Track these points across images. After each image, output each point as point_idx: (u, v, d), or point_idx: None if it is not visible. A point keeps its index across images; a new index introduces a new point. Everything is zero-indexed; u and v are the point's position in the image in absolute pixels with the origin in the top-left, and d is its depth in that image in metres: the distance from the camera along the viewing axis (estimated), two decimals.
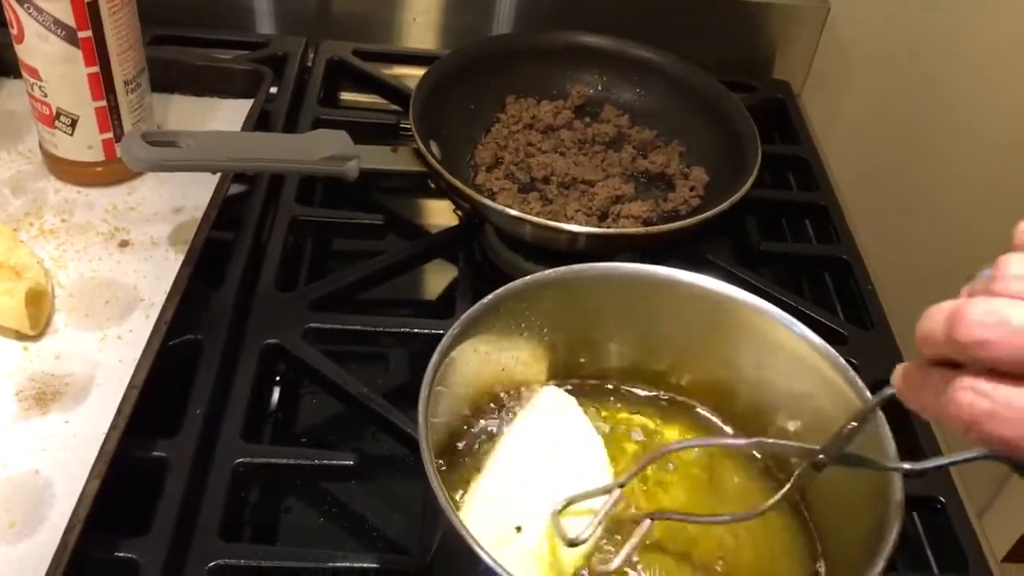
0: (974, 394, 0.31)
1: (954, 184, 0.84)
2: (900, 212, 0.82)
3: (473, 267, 0.74)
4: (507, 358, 0.54)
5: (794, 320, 0.51)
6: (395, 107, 0.87)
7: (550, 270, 0.52)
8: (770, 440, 0.50)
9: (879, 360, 0.67)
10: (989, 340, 0.30)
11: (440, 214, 0.84)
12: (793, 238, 0.83)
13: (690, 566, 0.48)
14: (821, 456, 0.44)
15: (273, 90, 0.82)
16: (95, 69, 0.65)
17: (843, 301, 0.74)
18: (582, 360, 0.56)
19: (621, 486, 0.47)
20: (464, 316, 0.49)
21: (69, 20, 0.63)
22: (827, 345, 0.50)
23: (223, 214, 0.68)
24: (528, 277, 0.52)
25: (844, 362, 0.49)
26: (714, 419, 0.56)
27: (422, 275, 0.77)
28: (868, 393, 0.47)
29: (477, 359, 0.52)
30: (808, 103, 0.96)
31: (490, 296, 0.51)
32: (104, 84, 0.66)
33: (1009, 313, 0.30)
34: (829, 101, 0.95)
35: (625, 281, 0.54)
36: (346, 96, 0.92)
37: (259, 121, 0.78)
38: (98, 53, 0.65)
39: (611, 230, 0.70)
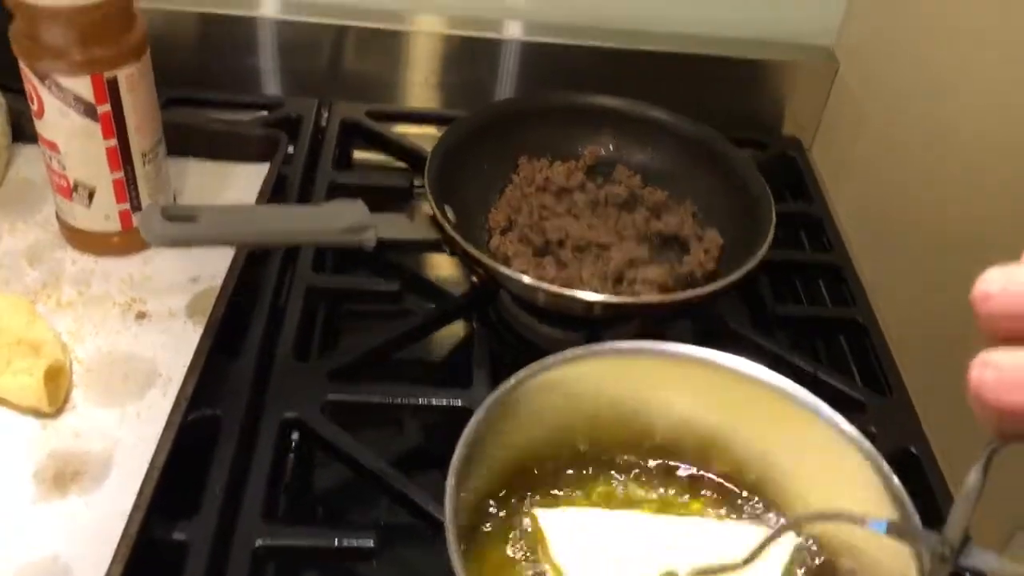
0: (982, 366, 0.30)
1: (971, 237, 0.84)
2: (913, 267, 0.81)
3: (489, 328, 0.75)
4: (525, 440, 0.53)
5: (838, 418, 0.50)
6: (408, 164, 0.88)
7: (571, 351, 0.52)
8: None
9: (898, 428, 0.66)
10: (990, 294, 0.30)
11: (456, 271, 0.84)
12: (807, 298, 0.83)
13: None
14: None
15: (289, 148, 0.83)
16: (113, 142, 0.66)
17: (860, 364, 0.74)
18: (606, 439, 0.56)
19: (746, 561, 0.47)
20: (485, 406, 0.49)
21: (89, 96, 0.63)
22: (873, 449, 0.49)
23: (240, 284, 0.68)
24: (549, 359, 0.52)
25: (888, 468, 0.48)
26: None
27: (437, 339, 0.77)
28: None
29: (498, 443, 0.51)
30: (818, 156, 0.96)
31: (511, 382, 0.50)
32: (122, 156, 0.67)
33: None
34: (840, 153, 0.95)
35: (653, 361, 0.53)
36: (359, 155, 0.92)
37: (275, 185, 0.78)
38: (116, 127, 0.65)
39: (627, 299, 0.70)
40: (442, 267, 0.85)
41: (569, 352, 0.52)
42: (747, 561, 0.47)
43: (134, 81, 0.65)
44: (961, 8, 0.77)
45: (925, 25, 0.83)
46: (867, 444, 0.49)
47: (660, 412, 0.55)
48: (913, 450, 0.65)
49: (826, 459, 0.51)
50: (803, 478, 0.53)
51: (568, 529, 0.51)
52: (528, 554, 0.51)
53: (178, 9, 0.89)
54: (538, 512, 0.52)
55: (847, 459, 0.50)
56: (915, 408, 0.69)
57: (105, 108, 0.64)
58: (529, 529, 0.52)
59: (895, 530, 0.43)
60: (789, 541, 0.51)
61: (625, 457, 0.56)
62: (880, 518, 0.44)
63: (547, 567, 0.50)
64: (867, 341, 0.74)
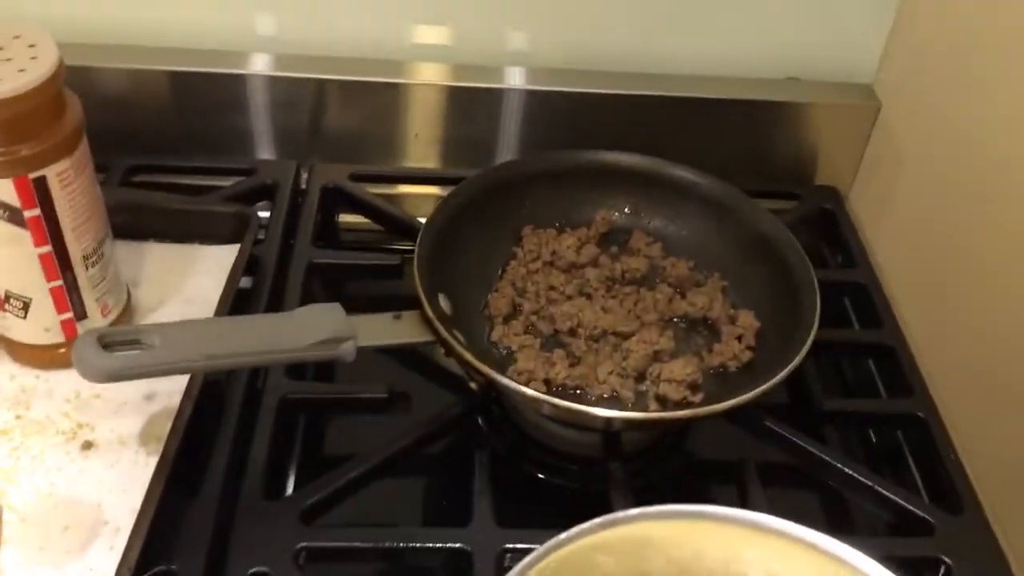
0: None
1: None
2: (976, 342, 0.71)
3: (493, 427, 0.65)
4: None
5: None
6: (396, 235, 0.78)
7: (588, 524, 0.43)
8: None
9: (974, 553, 0.57)
10: None
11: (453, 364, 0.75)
12: (855, 382, 0.73)
13: None
14: None
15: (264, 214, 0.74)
16: (47, 249, 0.57)
17: (921, 469, 0.64)
18: None
19: None
20: None
21: (13, 201, 0.54)
22: None
23: (200, 402, 0.59)
24: (564, 535, 0.42)
25: None
26: None
27: (429, 459, 0.66)
28: None
29: None
30: (857, 206, 0.86)
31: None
32: (59, 263, 0.58)
33: None
34: (881, 203, 0.85)
35: (688, 524, 0.44)
36: (345, 219, 0.83)
37: (247, 267, 0.69)
38: (49, 231, 0.56)
39: (649, 415, 0.60)
40: (437, 357, 0.75)
41: (591, 525, 0.42)
42: None
43: (68, 178, 0.55)
44: (1019, 35, 0.67)
45: (978, 56, 0.72)
46: None
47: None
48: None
49: None
50: None
51: None
52: None
53: (145, 68, 0.79)
54: None
55: None
56: (992, 526, 0.59)
57: (34, 212, 0.55)
58: None
59: None
60: None
61: None
62: None
63: None
64: (931, 442, 0.64)
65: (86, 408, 0.60)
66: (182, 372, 0.55)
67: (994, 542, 0.58)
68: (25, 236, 0.56)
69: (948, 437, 0.63)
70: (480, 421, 0.66)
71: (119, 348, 0.52)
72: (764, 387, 0.57)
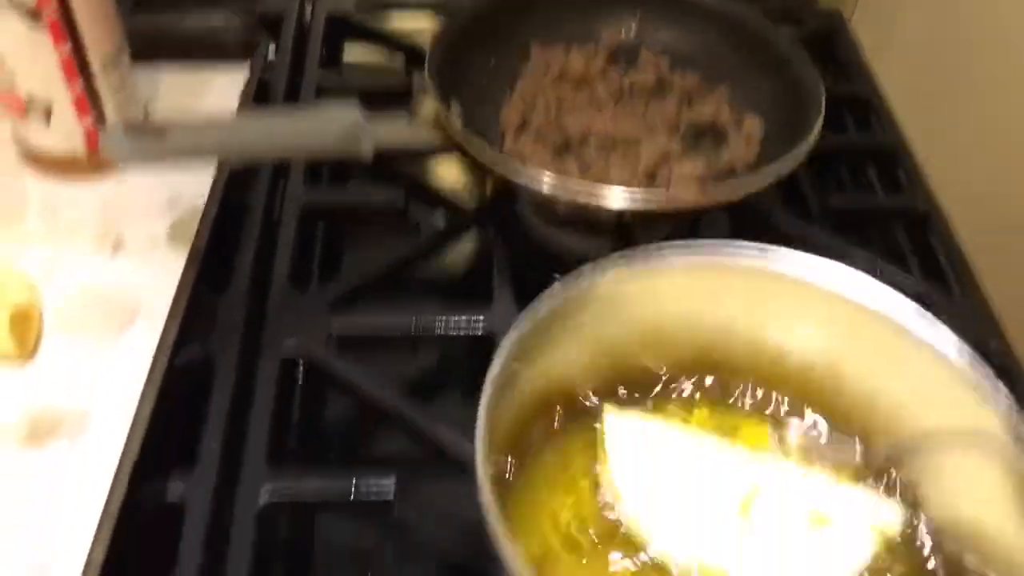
0: None
1: None
2: (976, 150, 0.73)
3: (506, 244, 0.67)
4: (561, 367, 0.46)
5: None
6: (405, 61, 0.79)
7: (610, 258, 0.45)
8: None
9: (973, 328, 0.59)
10: None
11: (465, 185, 0.76)
12: (854, 186, 0.75)
13: None
14: None
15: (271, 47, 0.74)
16: (66, 49, 0.57)
17: (921, 262, 0.66)
18: (649, 363, 0.49)
19: None
20: (514, 332, 0.41)
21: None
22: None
23: (225, 205, 0.61)
24: (584, 268, 0.44)
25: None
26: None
27: (449, 256, 0.69)
28: None
29: (530, 371, 0.44)
30: (860, 29, 0.86)
31: (544, 301, 0.43)
32: (79, 65, 0.58)
33: None
34: (886, 25, 0.86)
35: (700, 268, 0.46)
36: (350, 53, 0.83)
37: (257, 93, 0.70)
38: (68, 31, 0.57)
39: (661, 206, 0.61)
40: (450, 172, 0.77)
41: (619, 261, 0.45)
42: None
43: None
44: None
45: None
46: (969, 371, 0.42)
47: (723, 328, 0.48)
48: (992, 346, 0.58)
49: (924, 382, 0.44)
50: (901, 407, 0.45)
51: (634, 444, 0.45)
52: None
53: None
54: (607, 416, 0.46)
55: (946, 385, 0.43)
56: (989, 303, 0.61)
57: (51, 11, 0.55)
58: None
59: None
60: (890, 516, 0.43)
61: (687, 383, 0.49)
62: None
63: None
64: (929, 233, 0.66)
65: (113, 214, 0.62)
66: (204, 160, 0.57)
67: (991, 315, 0.60)
68: (45, 37, 0.56)
69: (948, 226, 0.66)
70: (491, 232, 0.67)
71: (146, 137, 0.53)
72: (787, 161, 0.58)
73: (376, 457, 0.59)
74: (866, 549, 0.42)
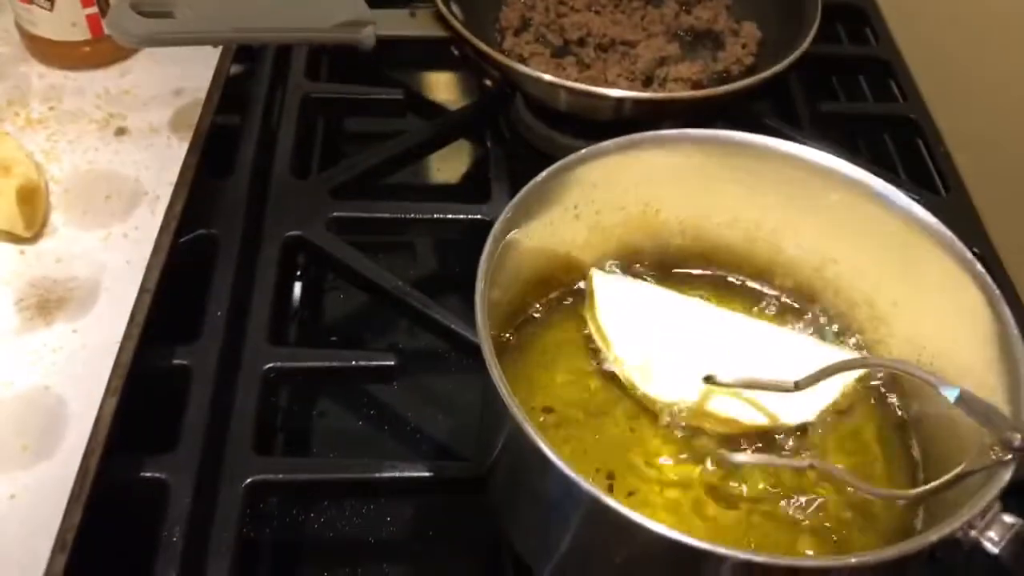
0: None
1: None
2: (970, 62, 0.74)
3: (503, 145, 0.68)
4: (558, 243, 0.48)
5: (920, 211, 0.44)
6: None
7: (610, 140, 0.46)
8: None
9: (960, 228, 0.61)
10: None
11: (461, 89, 0.77)
12: (847, 97, 0.76)
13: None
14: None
15: None
16: None
17: (909, 166, 0.68)
18: (642, 242, 0.50)
19: (798, 386, 0.42)
20: (516, 200, 0.43)
21: None
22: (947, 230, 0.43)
23: (227, 96, 0.61)
24: (583, 151, 0.46)
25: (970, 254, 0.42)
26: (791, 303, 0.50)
27: (446, 157, 0.70)
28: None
29: (528, 244, 0.46)
30: None
31: (544, 175, 0.44)
32: None
33: None
34: None
35: (695, 151, 0.47)
36: None
37: None
38: None
39: (659, 95, 0.63)
40: (445, 86, 0.77)
41: (618, 141, 0.46)
42: (800, 387, 0.42)
43: None
44: None
45: None
46: (946, 232, 0.44)
47: (713, 211, 0.49)
48: (975, 251, 0.59)
49: (905, 261, 0.45)
50: (881, 285, 0.47)
51: (621, 297, 0.47)
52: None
53: None
54: (594, 273, 0.48)
55: (923, 252, 0.44)
56: (976, 208, 0.63)
57: None
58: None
59: (965, 402, 0.38)
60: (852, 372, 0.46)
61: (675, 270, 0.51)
62: (952, 385, 0.38)
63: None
64: (920, 141, 0.67)
65: (116, 102, 0.62)
66: (211, 43, 0.58)
67: (976, 218, 0.62)
68: None
69: (938, 133, 0.67)
70: (489, 133, 0.68)
71: (153, 17, 0.53)
72: (777, 68, 0.60)
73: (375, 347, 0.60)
74: (831, 391, 0.44)
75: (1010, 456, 0.35)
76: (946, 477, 0.38)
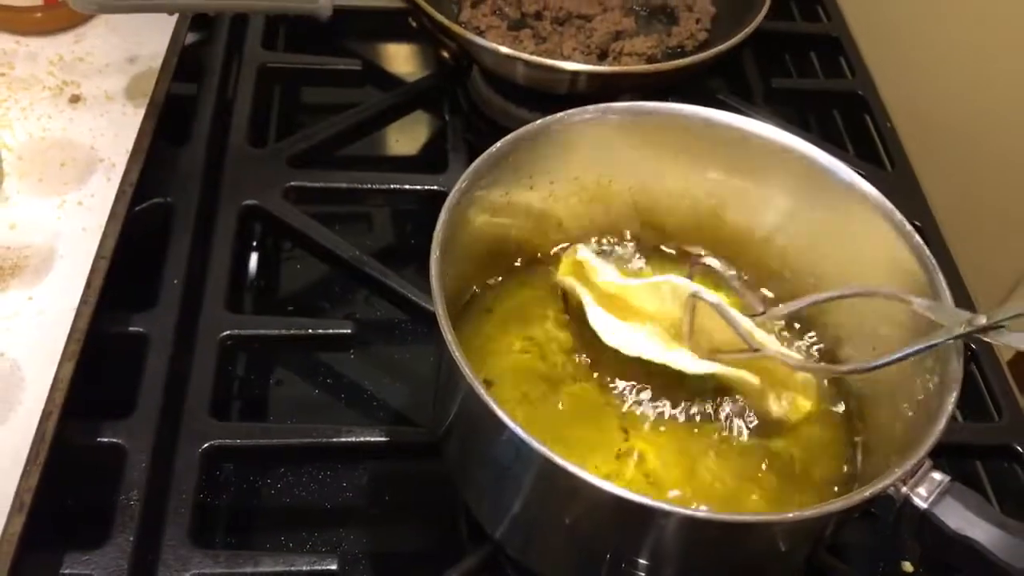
0: None
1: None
2: (917, 40, 0.76)
3: (460, 117, 0.68)
4: (514, 213, 0.49)
5: (856, 178, 0.46)
6: None
7: (564, 111, 0.47)
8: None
9: (904, 202, 0.62)
10: None
11: (418, 61, 0.77)
12: (798, 74, 0.77)
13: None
14: None
15: None
16: None
17: (857, 140, 0.70)
18: (594, 214, 0.51)
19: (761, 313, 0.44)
20: (472, 168, 0.44)
21: None
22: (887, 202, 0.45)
23: (183, 64, 0.61)
24: (539, 121, 0.46)
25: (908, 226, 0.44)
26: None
27: (403, 129, 0.71)
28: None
29: (483, 215, 0.47)
30: None
31: (500, 144, 0.45)
32: None
33: None
34: None
35: (646, 123, 0.48)
36: None
37: None
38: None
39: (614, 68, 0.64)
40: (403, 58, 0.78)
41: (573, 112, 0.47)
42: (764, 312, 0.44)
43: None
44: None
45: None
46: (887, 203, 0.45)
47: (662, 183, 0.51)
48: (917, 224, 0.61)
49: (841, 225, 0.47)
50: (826, 256, 0.49)
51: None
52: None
53: None
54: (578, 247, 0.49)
55: (866, 223, 0.46)
56: (919, 182, 0.65)
57: None
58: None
59: (931, 308, 0.40)
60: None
61: (607, 238, 0.52)
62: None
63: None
64: (867, 116, 0.69)
65: (70, 69, 0.62)
66: (168, 10, 0.57)
67: (919, 191, 0.64)
68: None
69: (885, 110, 0.69)
70: (446, 105, 0.69)
71: None
72: (733, 40, 0.61)
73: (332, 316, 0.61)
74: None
75: (960, 331, 0.38)
76: (898, 354, 0.40)
